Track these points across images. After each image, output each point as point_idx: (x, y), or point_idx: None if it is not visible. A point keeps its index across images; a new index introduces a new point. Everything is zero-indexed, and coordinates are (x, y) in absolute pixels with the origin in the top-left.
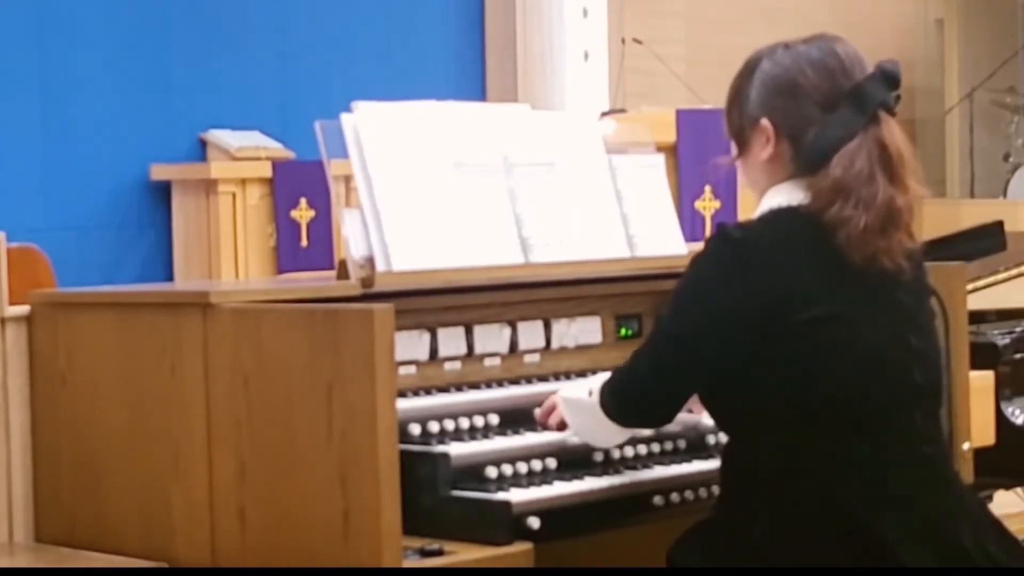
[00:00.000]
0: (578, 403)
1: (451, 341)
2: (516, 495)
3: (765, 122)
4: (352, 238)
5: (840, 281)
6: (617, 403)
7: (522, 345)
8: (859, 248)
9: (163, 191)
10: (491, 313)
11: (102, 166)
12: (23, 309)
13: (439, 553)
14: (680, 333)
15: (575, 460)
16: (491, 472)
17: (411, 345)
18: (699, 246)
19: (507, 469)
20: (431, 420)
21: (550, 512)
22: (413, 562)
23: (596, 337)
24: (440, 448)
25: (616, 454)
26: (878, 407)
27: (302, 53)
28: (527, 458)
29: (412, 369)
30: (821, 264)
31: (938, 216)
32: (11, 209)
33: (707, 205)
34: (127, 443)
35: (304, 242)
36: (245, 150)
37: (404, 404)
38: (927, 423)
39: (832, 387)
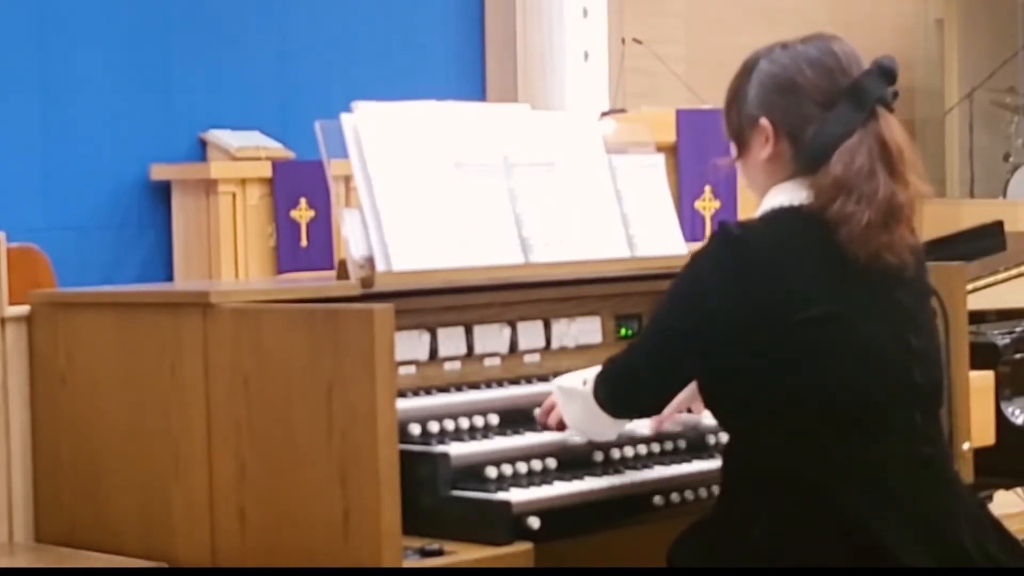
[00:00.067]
0: (572, 392)
1: (451, 341)
2: (516, 495)
3: (764, 121)
4: (352, 238)
5: (840, 281)
6: (608, 392)
7: (522, 345)
8: (862, 244)
9: (163, 191)
10: (491, 313)
11: (102, 166)
12: (23, 309)
13: (439, 553)
14: (675, 329)
15: (575, 460)
16: (491, 472)
17: (411, 345)
18: (699, 246)
19: (507, 469)
20: (431, 420)
21: (550, 512)
22: (413, 562)
23: (596, 337)
24: (440, 448)
25: (616, 454)
26: (878, 407)
27: (302, 53)
28: (527, 458)
29: (412, 369)
30: (822, 264)
31: (938, 216)
32: (11, 209)
33: (707, 205)
34: (127, 443)
35: (304, 242)
36: (245, 150)
37: (404, 404)
38: (927, 423)
39: (831, 387)
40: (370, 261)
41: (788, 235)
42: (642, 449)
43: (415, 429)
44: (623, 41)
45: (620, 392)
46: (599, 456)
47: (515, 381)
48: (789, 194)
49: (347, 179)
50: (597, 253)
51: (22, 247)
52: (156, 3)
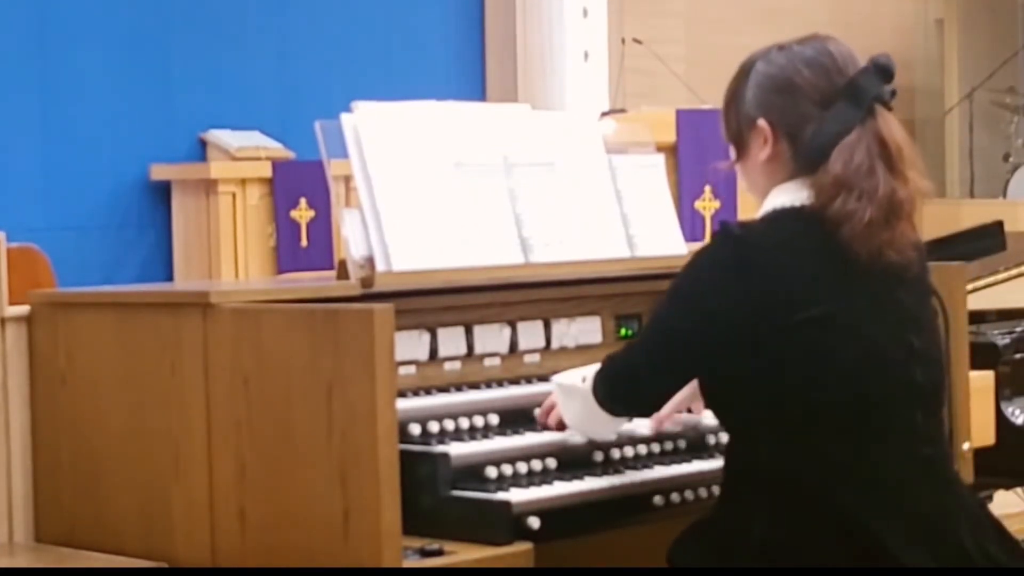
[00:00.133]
0: (571, 389)
1: (451, 341)
2: (516, 495)
3: (762, 122)
4: (352, 238)
5: (841, 281)
6: (607, 390)
7: (522, 345)
8: (864, 242)
9: (163, 191)
10: (491, 313)
11: (102, 166)
12: (23, 309)
13: (439, 553)
14: (675, 328)
15: (575, 460)
16: (491, 472)
17: (411, 345)
18: (699, 246)
19: (507, 469)
20: (431, 420)
21: (550, 512)
22: (413, 562)
23: (596, 337)
24: (440, 448)
25: (616, 454)
26: (878, 407)
27: (302, 53)
28: (527, 458)
29: (412, 369)
30: (823, 264)
31: (938, 216)
32: (11, 209)
33: (707, 205)
34: (127, 443)
35: (304, 242)
36: (245, 150)
37: (404, 404)
38: (928, 423)
39: (832, 387)
40: (370, 261)
41: (789, 235)
42: (642, 449)
43: (415, 429)
44: (623, 41)
45: (619, 390)
46: (599, 456)
47: (515, 381)
48: (790, 195)
49: (347, 179)
50: (597, 253)
51: (22, 247)
52: (156, 3)
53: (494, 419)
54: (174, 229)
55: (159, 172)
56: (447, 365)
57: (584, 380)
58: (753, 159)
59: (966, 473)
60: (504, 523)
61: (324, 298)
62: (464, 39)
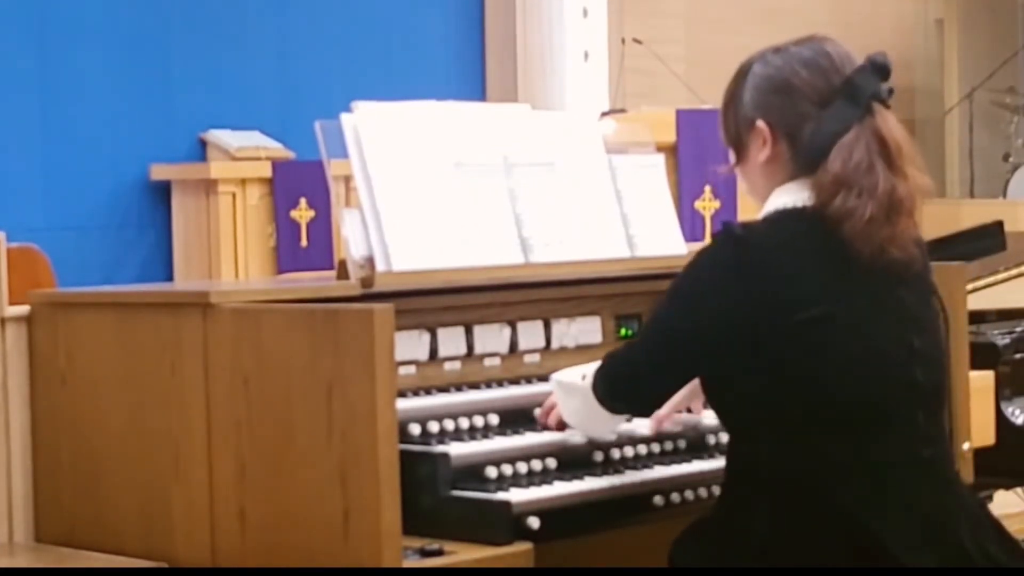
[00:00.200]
0: (571, 386)
1: (451, 341)
2: (516, 495)
3: (761, 123)
4: (352, 238)
5: (843, 281)
6: (607, 388)
7: (522, 345)
8: (866, 240)
9: (163, 191)
10: (491, 313)
11: (102, 166)
12: (23, 309)
13: (439, 553)
14: (675, 327)
15: (575, 460)
16: (491, 472)
17: (411, 345)
18: (699, 246)
19: (507, 469)
20: (431, 420)
21: (550, 512)
22: (413, 562)
23: (596, 337)
24: (440, 448)
25: (616, 454)
26: (879, 408)
27: (302, 53)
28: (527, 458)
29: (412, 369)
30: (824, 264)
31: (938, 216)
32: (11, 209)
33: (707, 205)
34: (127, 443)
35: (304, 242)
36: (245, 150)
37: (404, 404)
38: (929, 424)
39: (832, 387)
40: (370, 261)
41: (790, 236)
42: (642, 449)
43: (415, 429)
44: (623, 41)
45: (619, 388)
46: (599, 456)
47: (515, 381)
48: (791, 195)
49: (347, 179)
50: (597, 253)
51: (22, 247)
52: (156, 3)
53: (494, 419)
54: (174, 229)
55: (159, 172)
56: (447, 365)
57: (584, 378)
58: (752, 161)
59: (966, 473)
60: (504, 523)
61: (324, 298)
62: (464, 39)
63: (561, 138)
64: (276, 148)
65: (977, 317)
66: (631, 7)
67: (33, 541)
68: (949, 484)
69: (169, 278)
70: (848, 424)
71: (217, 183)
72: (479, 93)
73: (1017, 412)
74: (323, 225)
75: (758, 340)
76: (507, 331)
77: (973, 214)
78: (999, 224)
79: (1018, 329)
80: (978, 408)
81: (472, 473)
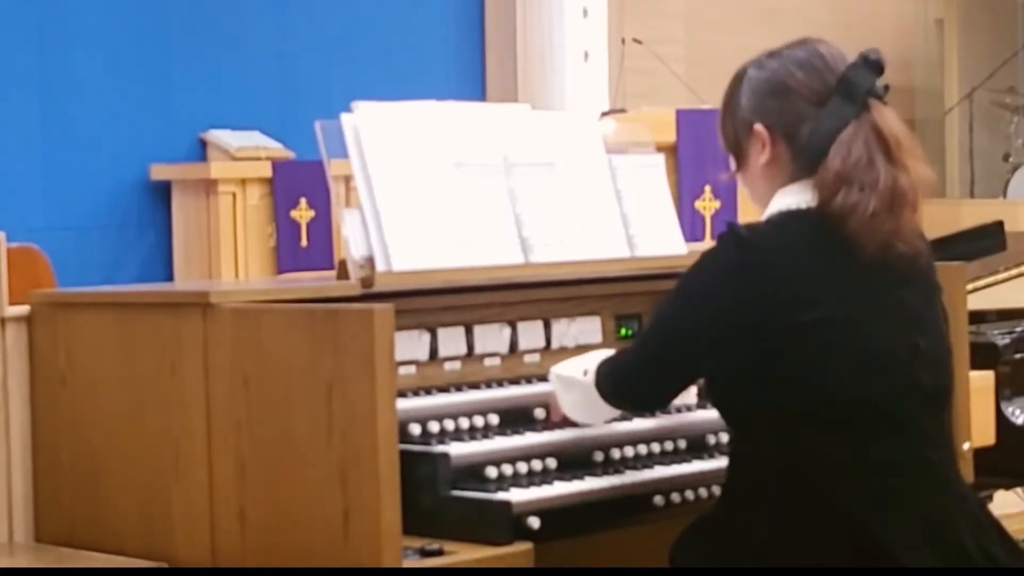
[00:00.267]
0: (571, 381)
1: (451, 341)
2: (516, 495)
3: (759, 126)
4: (352, 238)
5: (847, 282)
6: (612, 387)
7: (522, 345)
8: (871, 235)
9: (163, 191)
10: (491, 313)
11: (102, 166)
12: (23, 309)
13: (439, 553)
14: (679, 328)
15: (575, 460)
16: (491, 472)
17: (411, 345)
18: (699, 246)
19: (507, 469)
20: (431, 420)
21: (550, 512)
22: (413, 562)
23: (596, 337)
24: (440, 448)
25: (616, 454)
26: (881, 409)
27: (302, 53)
28: (527, 458)
29: (412, 369)
30: (828, 266)
31: (938, 216)
32: (11, 209)
33: (707, 205)
34: (127, 443)
35: (304, 242)
36: (245, 150)
37: (404, 404)
38: (932, 426)
39: (835, 388)
40: (370, 261)
41: (794, 237)
42: (642, 449)
43: (415, 429)
44: (623, 41)
45: (624, 388)
46: (599, 456)
47: (515, 381)
48: (794, 197)
49: (347, 179)
50: (597, 253)
51: (22, 247)
52: (156, 3)
53: (494, 419)
54: (174, 229)
55: (159, 172)
56: (447, 365)
57: (586, 373)
58: (753, 165)
59: (966, 473)
60: (504, 523)
61: (324, 298)
62: (464, 39)
63: (561, 138)
64: (276, 148)
65: (977, 317)
66: (631, 7)
67: (33, 541)
68: (951, 485)
69: (169, 278)
70: (850, 425)
71: (217, 183)
72: (479, 93)
73: (1017, 412)
74: (323, 225)
75: (761, 341)
76: (507, 331)
77: (973, 214)
78: (999, 224)
79: (1018, 329)
80: (978, 408)
81: (472, 473)
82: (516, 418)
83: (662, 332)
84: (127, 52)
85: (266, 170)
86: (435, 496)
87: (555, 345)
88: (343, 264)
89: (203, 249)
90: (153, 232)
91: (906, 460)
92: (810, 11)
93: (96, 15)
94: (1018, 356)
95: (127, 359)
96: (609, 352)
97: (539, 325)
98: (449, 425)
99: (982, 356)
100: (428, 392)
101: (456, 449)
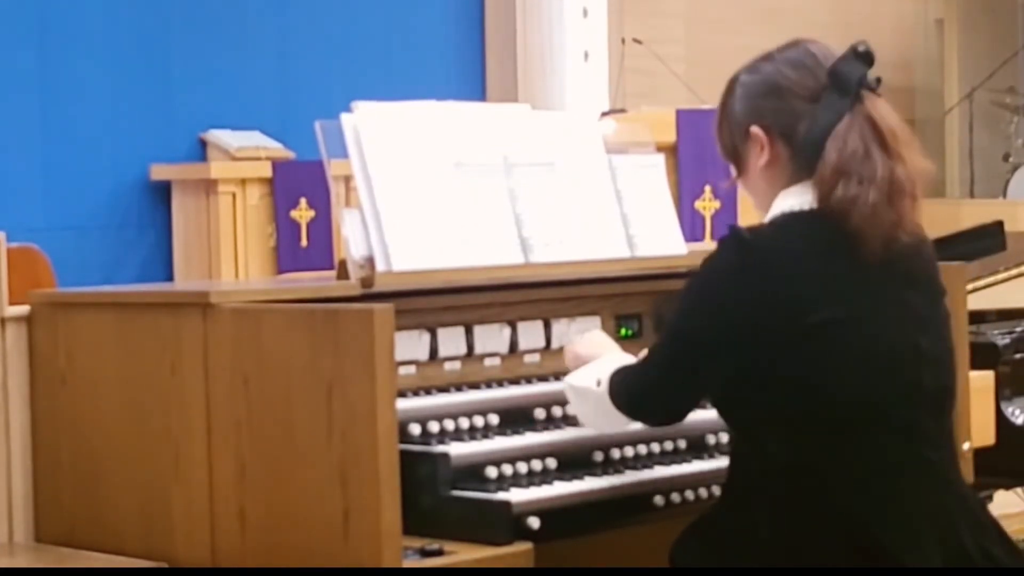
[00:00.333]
0: (585, 392)
1: (451, 341)
2: (516, 495)
3: (755, 129)
4: (352, 238)
5: (849, 283)
6: (627, 401)
7: (522, 345)
8: (874, 227)
9: (163, 191)
10: (491, 313)
11: (102, 166)
12: (23, 309)
13: (439, 553)
14: (686, 334)
15: (575, 460)
16: (491, 472)
17: (411, 345)
18: (699, 246)
19: (507, 469)
20: (431, 420)
21: (550, 512)
22: (413, 562)
23: None
24: (440, 448)
25: (616, 454)
26: (883, 410)
27: (302, 53)
28: (527, 458)
29: (412, 369)
30: (830, 267)
31: (938, 216)
32: (11, 209)
33: (707, 205)
34: (127, 443)
35: (304, 242)
36: (245, 150)
37: (404, 404)
38: (933, 426)
39: (837, 389)
40: (370, 261)
41: (797, 238)
42: (642, 449)
43: (415, 429)
44: (623, 41)
45: (639, 401)
46: (599, 456)
47: (515, 381)
48: (796, 198)
49: (347, 179)
50: (597, 253)
51: (22, 247)
52: (156, 3)
53: (494, 419)
54: (174, 229)
55: (159, 172)
56: (447, 365)
57: (599, 383)
58: (753, 169)
59: (966, 473)
60: (504, 523)
61: (324, 298)
62: (464, 39)
63: (561, 138)
64: (276, 148)
65: (977, 317)
66: (631, 7)
67: (33, 541)
68: (951, 486)
69: (169, 278)
70: (851, 425)
71: (217, 183)
72: (479, 93)
73: (1017, 412)
74: (323, 225)
75: (763, 342)
76: (507, 331)
77: (973, 214)
78: (999, 224)
79: (1018, 329)
80: (978, 408)
81: (472, 473)
82: (516, 418)
83: (672, 341)
84: (127, 52)
85: (266, 170)
86: (435, 496)
87: (555, 345)
88: (343, 264)
89: (203, 249)
90: (153, 232)
91: (907, 461)
92: (810, 11)
93: (96, 15)
94: (1018, 356)
95: (127, 359)
96: (620, 357)
97: (539, 325)
98: (449, 425)
99: (982, 356)
100: (428, 392)
101: (456, 449)
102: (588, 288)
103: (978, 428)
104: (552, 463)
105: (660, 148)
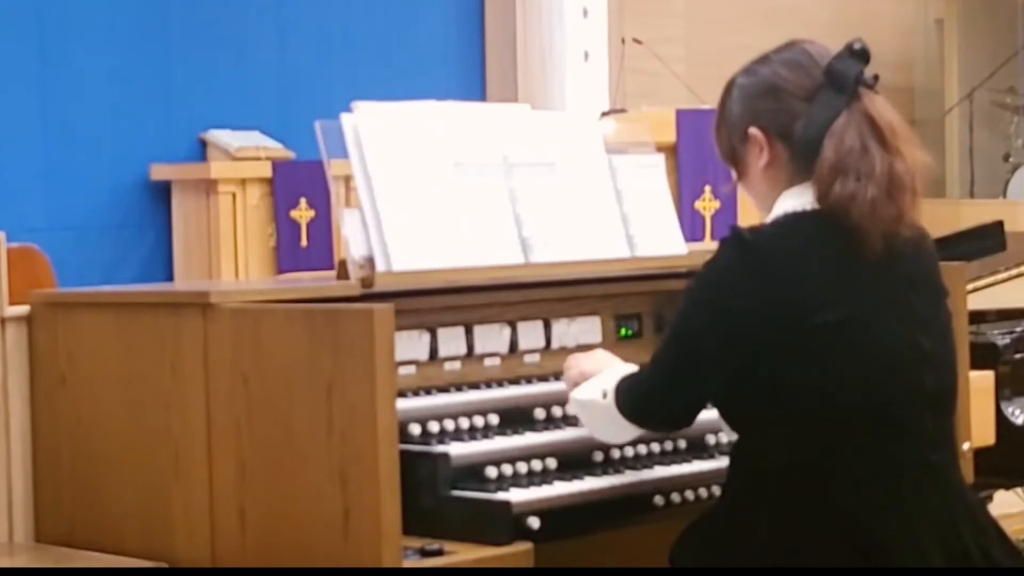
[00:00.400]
0: (591, 405)
1: (451, 341)
2: (516, 495)
3: (753, 130)
4: (352, 238)
5: (852, 284)
6: (634, 408)
7: (522, 345)
8: (874, 222)
9: (163, 191)
10: (491, 313)
11: (102, 166)
12: (23, 309)
13: (439, 553)
14: (691, 337)
15: (575, 460)
16: (491, 472)
17: (411, 345)
18: (699, 246)
19: (507, 469)
20: (431, 420)
21: (550, 512)
22: (413, 562)
23: (596, 337)
24: (440, 448)
25: (616, 454)
26: (884, 410)
27: (302, 53)
28: (527, 458)
29: (412, 369)
30: (832, 267)
31: (938, 216)
32: (11, 209)
33: (707, 205)
34: (127, 443)
35: (304, 242)
36: (245, 150)
37: (404, 404)
38: (937, 428)
39: (839, 390)
40: (370, 261)
41: (799, 239)
42: (642, 449)
43: (415, 429)
44: (623, 41)
45: (646, 407)
46: (599, 456)
47: (515, 381)
48: (797, 199)
49: (347, 179)
50: (597, 253)
51: (22, 247)
52: (156, 3)
53: (494, 419)
54: (174, 229)
55: (159, 172)
56: (447, 365)
57: (604, 395)
58: (753, 171)
59: (966, 473)
60: (504, 523)
61: (324, 298)
62: (464, 39)
63: (561, 138)
64: (276, 148)
65: (977, 317)
66: (631, 7)
67: (33, 541)
68: (952, 487)
69: (169, 278)
70: (852, 426)
71: (217, 183)
72: (479, 93)
73: (1017, 412)
74: (323, 225)
75: (766, 342)
76: (507, 331)
77: (973, 214)
78: (999, 224)
79: (1018, 329)
80: (978, 408)
81: (472, 473)
82: (516, 418)
83: (674, 342)
84: (127, 52)
85: (266, 170)
86: (435, 496)
87: (555, 345)
88: (343, 264)
89: (203, 249)
90: (153, 232)
91: (907, 461)
92: (810, 11)
93: (96, 15)
94: (1018, 356)
95: (127, 359)
96: (624, 368)
97: (539, 325)
98: (449, 425)
99: (982, 356)
100: (428, 392)
101: (456, 449)
102: (588, 288)
103: (978, 428)
104: (552, 463)
105: (660, 148)
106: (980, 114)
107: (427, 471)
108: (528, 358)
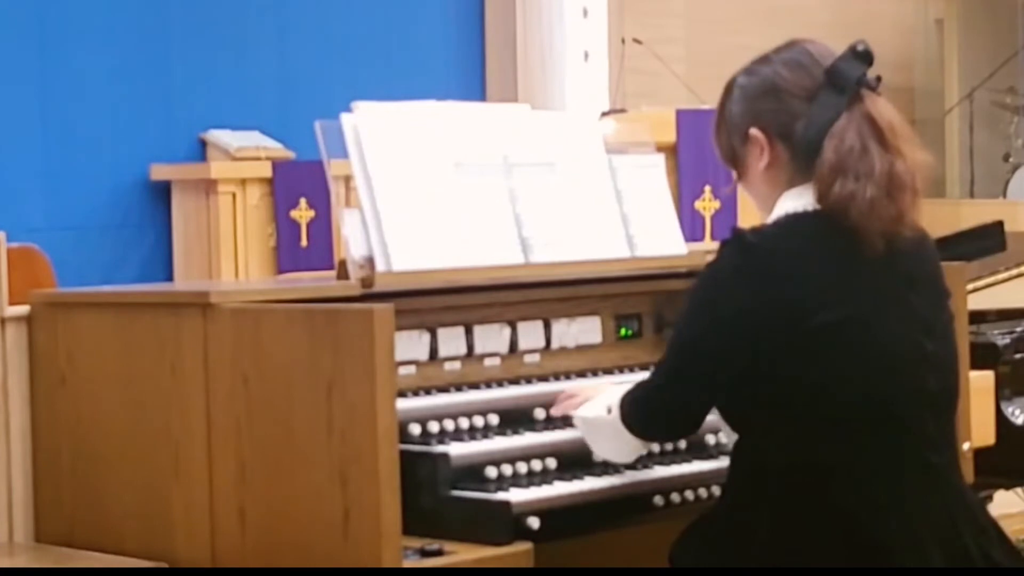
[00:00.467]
0: (597, 422)
1: (451, 341)
2: (516, 495)
3: (754, 131)
4: (352, 238)
5: (853, 285)
6: (639, 417)
7: (522, 345)
8: (873, 222)
9: (163, 191)
10: (491, 313)
11: (102, 166)
12: (23, 309)
13: (439, 553)
14: (694, 340)
15: (575, 460)
16: (491, 472)
17: (411, 345)
18: (699, 246)
19: (507, 469)
20: (431, 420)
21: (550, 512)
22: (413, 562)
23: (596, 337)
24: (440, 448)
25: None
26: (886, 411)
27: (302, 53)
28: (527, 458)
29: (412, 369)
30: (833, 267)
31: (938, 216)
32: (11, 209)
33: (707, 205)
34: (127, 443)
35: (304, 242)
36: (245, 150)
37: (404, 404)
38: (938, 429)
39: (840, 390)
40: (370, 261)
41: (800, 240)
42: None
43: (415, 429)
44: (623, 41)
45: (651, 417)
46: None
47: (515, 381)
48: (798, 200)
49: (347, 179)
50: (597, 253)
51: (22, 247)
52: (156, 3)
53: (494, 419)
54: (174, 229)
55: (159, 172)
56: (447, 365)
57: (609, 411)
58: (753, 172)
59: (966, 473)
60: (504, 523)
61: (324, 298)
62: (464, 39)
63: (561, 138)
64: (276, 148)
65: (977, 317)
66: (631, 7)
67: (33, 541)
68: (952, 488)
69: (169, 278)
70: (856, 428)
71: (217, 183)
72: (479, 93)
73: (1017, 412)
74: (323, 225)
75: (766, 343)
76: (507, 331)
77: (973, 214)
78: (999, 224)
79: (1018, 329)
80: (978, 408)
81: (472, 473)
82: (516, 418)
83: (678, 349)
84: (127, 52)
85: (266, 170)
86: (435, 496)
87: (555, 345)
88: (343, 264)
89: (203, 249)
90: (153, 232)
91: (908, 462)
92: (810, 11)
93: (96, 15)
94: (1018, 356)
95: (127, 359)
96: (626, 386)
97: (539, 325)
98: (449, 425)
99: (982, 356)
100: (428, 392)
101: (456, 449)
102: (588, 288)
103: (978, 428)
104: (552, 463)
105: (660, 148)
106: (980, 114)
107: (427, 471)
108: (528, 358)
